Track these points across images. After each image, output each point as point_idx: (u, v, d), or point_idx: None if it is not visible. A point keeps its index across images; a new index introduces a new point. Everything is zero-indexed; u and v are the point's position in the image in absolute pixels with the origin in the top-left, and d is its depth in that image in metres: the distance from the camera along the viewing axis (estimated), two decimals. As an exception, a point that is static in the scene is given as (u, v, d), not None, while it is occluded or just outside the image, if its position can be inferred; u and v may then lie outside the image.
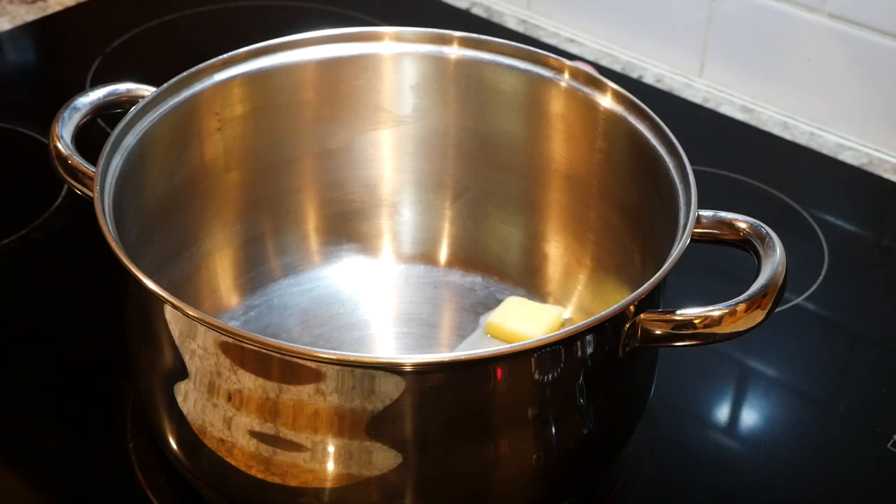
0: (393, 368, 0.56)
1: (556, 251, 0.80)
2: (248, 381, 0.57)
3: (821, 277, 0.87)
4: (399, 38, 0.77)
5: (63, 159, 0.67)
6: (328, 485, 0.59)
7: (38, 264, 0.84)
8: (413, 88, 0.78)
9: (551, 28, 1.17)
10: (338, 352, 0.55)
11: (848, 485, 0.72)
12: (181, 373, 0.60)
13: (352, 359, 0.56)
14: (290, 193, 0.80)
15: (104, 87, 0.71)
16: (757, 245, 0.63)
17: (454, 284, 0.81)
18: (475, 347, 0.74)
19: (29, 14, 1.15)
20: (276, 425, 0.58)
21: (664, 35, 1.10)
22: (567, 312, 0.77)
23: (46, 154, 0.68)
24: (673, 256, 0.60)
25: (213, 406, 0.59)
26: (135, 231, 0.67)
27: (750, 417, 0.77)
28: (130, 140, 0.67)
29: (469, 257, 0.82)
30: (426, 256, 0.82)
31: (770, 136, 1.04)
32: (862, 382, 0.80)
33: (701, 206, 0.64)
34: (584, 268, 0.78)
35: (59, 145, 0.67)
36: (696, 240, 0.63)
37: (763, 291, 0.59)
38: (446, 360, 0.60)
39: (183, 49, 1.12)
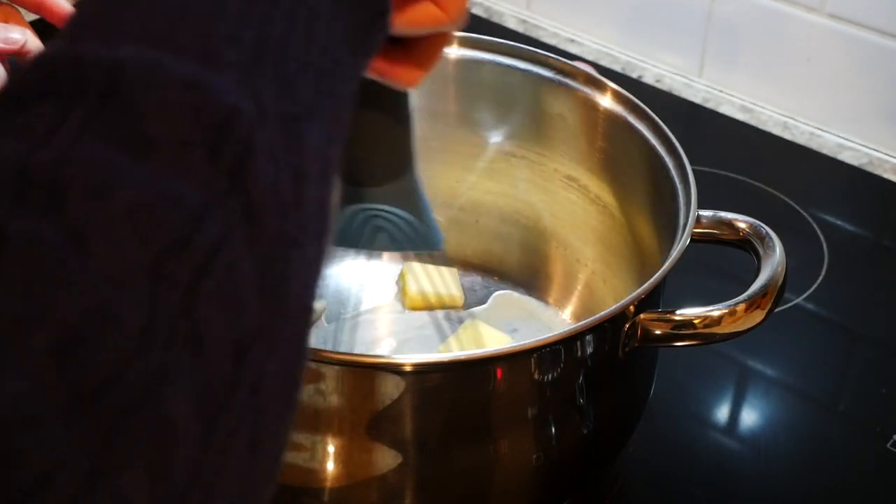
0: (393, 368, 0.55)
1: (555, 251, 0.79)
2: (248, 381, 0.57)
3: (821, 277, 0.87)
4: (399, 38, 0.77)
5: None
6: (328, 485, 0.58)
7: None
8: (413, 88, 0.78)
9: (551, 28, 1.17)
10: (338, 352, 0.55)
11: (848, 485, 0.72)
12: (181, 373, 0.60)
13: (352, 359, 0.56)
14: (289, 193, 0.79)
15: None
16: (757, 245, 0.63)
17: (454, 284, 0.81)
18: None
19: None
20: (276, 425, 0.58)
21: (664, 35, 1.10)
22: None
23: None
24: (673, 256, 0.60)
25: (213, 406, 0.59)
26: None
27: (750, 417, 0.77)
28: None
29: (469, 257, 0.82)
30: (426, 256, 0.82)
31: (770, 136, 1.04)
32: (862, 382, 0.80)
33: (701, 206, 0.64)
34: (583, 268, 0.78)
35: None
36: (696, 240, 0.63)
37: (763, 291, 0.59)
38: (446, 360, 0.60)
39: (183, 49, 1.12)
